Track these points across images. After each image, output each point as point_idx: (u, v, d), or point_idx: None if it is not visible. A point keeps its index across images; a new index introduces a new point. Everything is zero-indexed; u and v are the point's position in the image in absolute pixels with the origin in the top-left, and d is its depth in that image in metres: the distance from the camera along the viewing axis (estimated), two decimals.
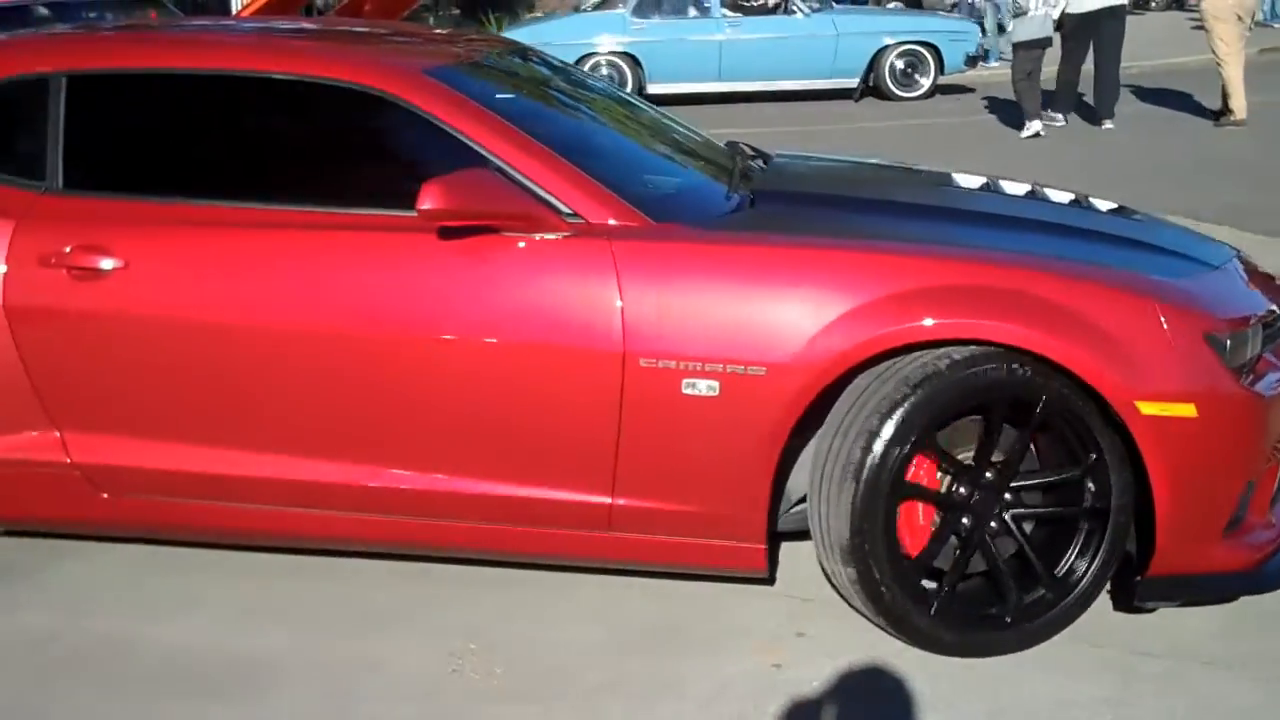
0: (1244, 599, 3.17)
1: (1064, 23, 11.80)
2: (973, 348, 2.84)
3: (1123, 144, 10.86)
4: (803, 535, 3.14)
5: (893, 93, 14.52)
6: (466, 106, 3.12)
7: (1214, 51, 11.20)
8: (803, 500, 3.11)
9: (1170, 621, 3.14)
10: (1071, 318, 2.83)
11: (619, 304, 2.89)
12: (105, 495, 3.22)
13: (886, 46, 14.52)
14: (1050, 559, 3.00)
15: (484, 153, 3.04)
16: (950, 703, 2.84)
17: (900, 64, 14.56)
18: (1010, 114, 12.24)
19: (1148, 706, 2.82)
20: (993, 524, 2.99)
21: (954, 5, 20.83)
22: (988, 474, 2.98)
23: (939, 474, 3.00)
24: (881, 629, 3.04)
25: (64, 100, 3.25)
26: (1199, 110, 12.26)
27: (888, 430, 2.82)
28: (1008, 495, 3.00)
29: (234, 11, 16.13)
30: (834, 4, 15.52)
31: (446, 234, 2.96)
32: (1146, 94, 13.64)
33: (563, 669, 3.00)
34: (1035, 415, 2.87)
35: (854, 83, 14.59)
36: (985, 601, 3.03)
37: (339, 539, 3.24)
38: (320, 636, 3.15)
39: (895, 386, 2.83)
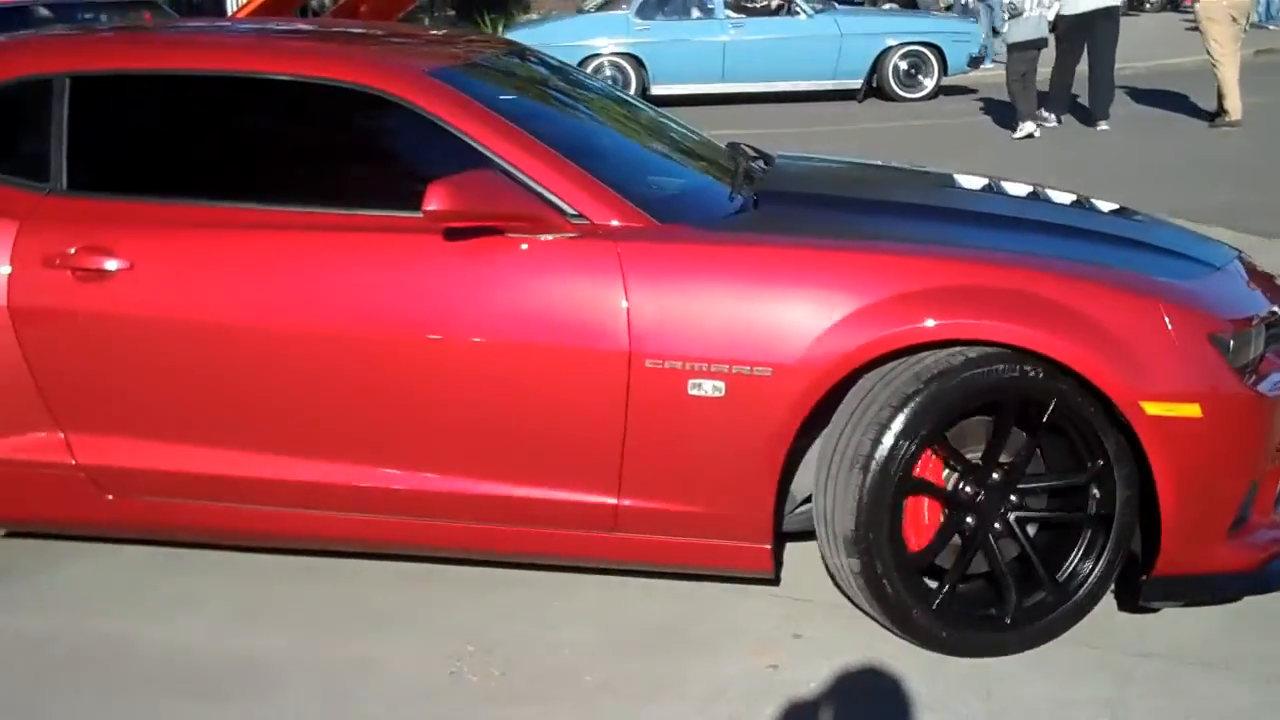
0: (1244, 599, 3.17)
1: (1058, 24, 11.82)
2: (986, 348, 2.85)
3: (1117, 145, 10.87)
4: (807, 536, 3.15)
5: (896, 94, 14.49)
6: (470, 107, 3.12)
7: (1209, 53, 11.21)
8: (807, 501, 3.11)
9: (1169, 622, 3.14)
10: (1075, 318, 2.83)
11: (624, 305, 2.89)
12: (110, 496, 3.21)
13: (890, 47, 14.49)
14: (1053, 563, 3.01)
15: (488, 154, 3.03)
16: (948, 704, 2.84)
17: (904, 65, 14.54)
18: (1005, 115, 12.24)
19: (1147, 707, 2.83)
20: (996, 525, 3.00)
21: (948, 6, 20.84)
22: (994, 475, 2.98)
23: (946, 472, 3.01)
24: (881, 626, 3.05)
25: (68, 101, 3.24)
26: (1194, 111, 12.27)
27: (898, 423, 2.82)
28: (1013, 497, 3.01)
29: (229, 13, 16.13)
30: (836, 5, 15.49)
31: (452, 235, 2.95)
32: (1141, 95, 13.65)
33: (562, 669, 3.00)
34: (1046, 417, 2.87)
35: (858, 84, 14.56)
36: (986, 602, 3.04)
37: (346, 540, 3.24)
38: (320, 637, 3.15)
39: (908, 381, 2.84)
